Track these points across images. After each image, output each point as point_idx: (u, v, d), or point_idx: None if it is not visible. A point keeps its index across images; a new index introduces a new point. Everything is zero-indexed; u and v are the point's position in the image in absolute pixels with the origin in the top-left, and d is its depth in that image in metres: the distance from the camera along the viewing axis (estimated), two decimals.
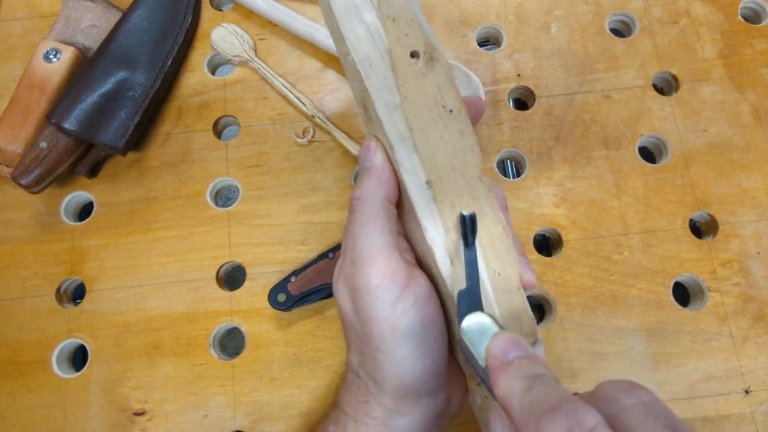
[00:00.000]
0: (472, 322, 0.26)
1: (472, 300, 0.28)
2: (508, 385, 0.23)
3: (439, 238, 0.29)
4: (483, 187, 0.30)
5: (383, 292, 0.29)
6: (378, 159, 0.30)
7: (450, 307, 0.30)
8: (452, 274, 0.29)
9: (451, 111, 0.30)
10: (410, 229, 0.32)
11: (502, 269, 0.30)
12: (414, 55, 0.29)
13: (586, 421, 0.19)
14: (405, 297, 0.29)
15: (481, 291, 0.29)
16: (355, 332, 0.31)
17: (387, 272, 0.29)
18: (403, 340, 0.29)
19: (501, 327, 0.26)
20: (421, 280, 0.30)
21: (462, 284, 0.29)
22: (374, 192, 0.30)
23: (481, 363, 0.25)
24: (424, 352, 0.29)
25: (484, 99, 0.48)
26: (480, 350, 0.25)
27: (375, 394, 0.31)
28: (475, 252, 0.29)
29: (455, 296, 0.29)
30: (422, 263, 0.32)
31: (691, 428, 0.21)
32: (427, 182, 0.29)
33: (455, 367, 0.33)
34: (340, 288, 0.31)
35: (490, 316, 0.27)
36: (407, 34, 0.29)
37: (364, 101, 0.30)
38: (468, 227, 0.29)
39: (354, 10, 0.29)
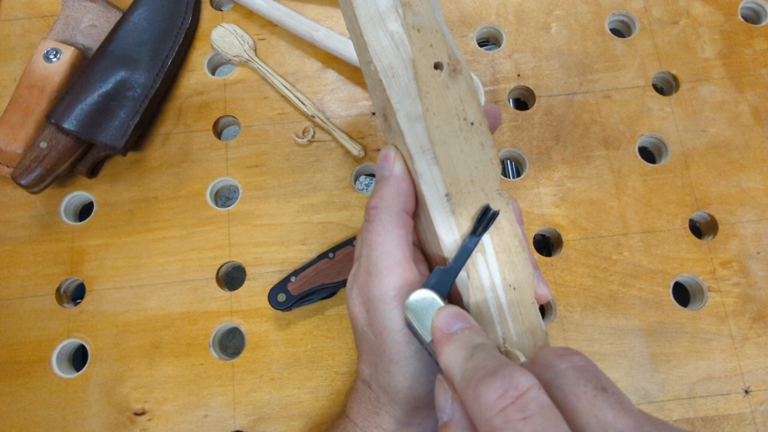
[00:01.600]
0: (418, 297, 0.27)
1: (443, 281, 0.28)
2: (451, 355, 0.23)
3: (457, 251, 0.29)
4: (502, 201, 0.30)
5: (399, 304, 0.28)
6: (397, 168, 0.29)
7: None
8: (469, 287, 0.29)
9: (472, 123, 0.29)
10: (426, 240, 0.32)
11: (518, 284, 0.30)
12: (438, 66, 0.29)
13: (521, 384, 0.20)
14: None
15: (497, 305, 0.29)
16: (368, 343, 0.31)
17: (403, 284, 0.28)
18: (418, 353, 0.29)
19: (445, 302, 0.27)
20: None
21: (478, 295, 0.29)
22: (392, 201, 0.29)
23: (427, 338, 0.26)
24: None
25: (485, 100, 0.48)
26: (426, 325, 0.26)
27: (387, 405, 0.30)
28: (475, 244, 0.29)
29: (470, 310, 0.29)
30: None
31: (620, 390, 0.22)
32: (447, 195, 0.29)
33: None
34: (354, 297, 0.31)
35: (437, 292, 0.27)
36: (431, 45, 0.29)
37: (384, 111, 0.30)
38: (486, 220, 0.29)
39: (378, 18, 0.28)
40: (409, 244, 0.30)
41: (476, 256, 0.29)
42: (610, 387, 0.21)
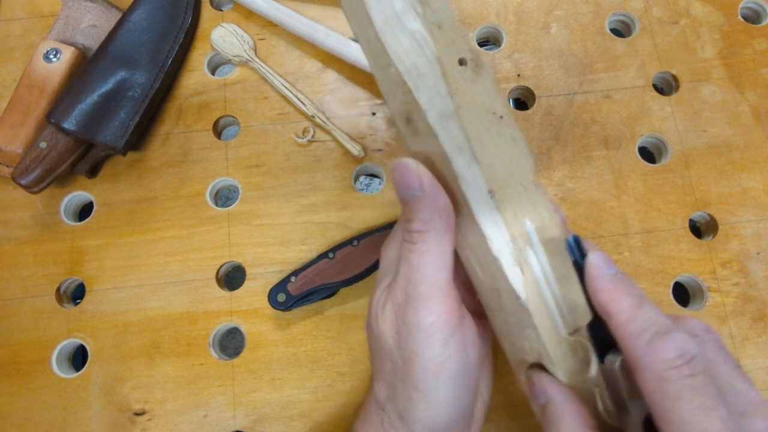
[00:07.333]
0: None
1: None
2: (616, 295, 0.26)
3: (506, 248, 0.28)
4: (539, 192, 0.29)
5: (436, 331, 0.27)
6: (427, 183, 0.27)
7: (516, 320, 0.29)
8: (524, 283, 0.28)
9: (501, 117, 0.29)
10: (465, 244, 0.30)
11: (565, 272, 0.29)
12: (462, 62, 0.28)
13: (692, 349, 0.23)
14: (456, 338, 0.28)
15: (552, 296, 0.29)
16: (391, 364, 0.29)
17: (443, 311, 0.27)
18: (446, 383, 0.28)
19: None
20: (470, 320, 0.29)
21: (533, 289, 0.28)
22: (437, 223, 0.28)
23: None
24: (462, 396, 0.29)
25: None
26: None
27: (400, 431, 0.30)
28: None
29: (529, 306, 0.28)
30: (474, 281, 0.31)
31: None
32: (490, 191, 0.28)
33: (477, 401, 0.32)
34: (386, 314, 0.29)
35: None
36: (453, 41, 0.28)
37: (408, 114, 0.29)
38: (575, 249, 0.28)
39: (396, 19, 0.28)
40: (451, 267, 0.29)
41: (526, 250, 0.28)
42: (739, 367, 0.26)
